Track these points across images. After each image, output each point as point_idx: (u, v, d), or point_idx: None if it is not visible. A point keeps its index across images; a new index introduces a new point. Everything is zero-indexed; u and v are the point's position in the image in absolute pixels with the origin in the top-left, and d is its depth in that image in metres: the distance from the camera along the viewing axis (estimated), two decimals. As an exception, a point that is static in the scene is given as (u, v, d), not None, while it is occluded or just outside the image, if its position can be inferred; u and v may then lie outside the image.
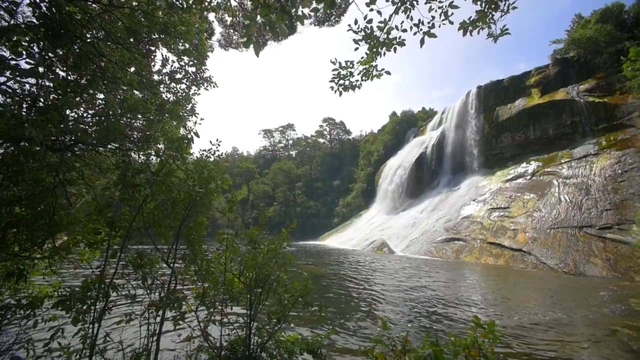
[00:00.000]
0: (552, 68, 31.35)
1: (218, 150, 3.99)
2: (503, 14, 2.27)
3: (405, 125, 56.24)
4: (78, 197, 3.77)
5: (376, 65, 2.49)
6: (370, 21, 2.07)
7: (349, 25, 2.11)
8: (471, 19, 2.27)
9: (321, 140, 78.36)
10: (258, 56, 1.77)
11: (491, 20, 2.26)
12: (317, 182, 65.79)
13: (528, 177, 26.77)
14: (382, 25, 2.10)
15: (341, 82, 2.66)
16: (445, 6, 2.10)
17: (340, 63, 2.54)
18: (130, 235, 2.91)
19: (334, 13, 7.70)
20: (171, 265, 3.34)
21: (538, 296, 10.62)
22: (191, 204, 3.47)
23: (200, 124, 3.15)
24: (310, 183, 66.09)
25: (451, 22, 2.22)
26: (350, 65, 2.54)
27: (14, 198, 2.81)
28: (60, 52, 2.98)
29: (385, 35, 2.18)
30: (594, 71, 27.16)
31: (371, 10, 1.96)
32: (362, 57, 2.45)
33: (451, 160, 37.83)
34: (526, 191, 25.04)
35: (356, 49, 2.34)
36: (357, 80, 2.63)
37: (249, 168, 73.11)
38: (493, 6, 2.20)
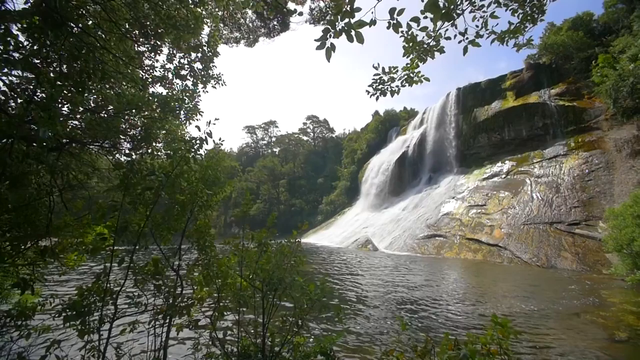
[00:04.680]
0: (526, 72, 32.94)
1: (221, 150, 3.88)
2: (532, 25, 2.39)
3: (388, 124, 57.12)
4: (71, 200, 3.53)
5: (418, 72, 2.54)
6: (424, 29, 2.09)
7: (401, 31, 2.11)
8: (509, 30, 2.37)
9: (305, 137, 78.03)
10: (329, 61, 1.72)
11: (524, 32, 2.37)
12: (301, 180, 65.54)
13: (503, 176, 28.10)
14: (432, 33, 2.14)
15: (380, 86, 2.68)
16: (487, 16, 2.17)
17: (383, 68, 2.54)
18: (139, 240, 2.76)
19: (330, 12, 7.66)
20: (177, 270, 3.22)
21: (515, 290, 11.21)
22: (197, 205, 3.35)
23: (214, 124, 3.02)
24: (294, 181, 65.74)
25: (495, 32, 2.30)
26: (394, 71, 2.56)
27: (6, 203, 2.57)
28: (58, 43, 2.75)
29: (434, 43, 2.22)
30: (565, 76, 28.86)
31: (425, 17, 2.00)
32: (407, 64, 2.48)
33: (432, 159, 38.93)
34: (501, 189, 26.27)
35: (405, 54, 2.36)
36: (397, 86, 2.66)
37: (232, 166, 71.56)
38: (529, 18, 2.32)
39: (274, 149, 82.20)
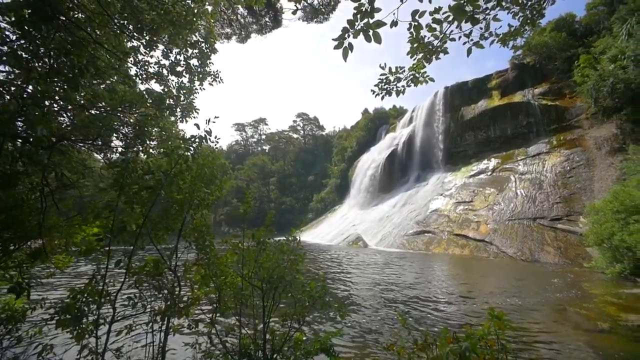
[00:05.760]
0: (511, 72, 33.81)
1: (217, 148, 3.83)
2: (531, 28, 2.48)
3: (377, 122, 57.53)
4: (61, 200, 3.41)
5: (424, 72, 2.57)
6: (433, 29, 2.12)
7: (411, 33, 2.14)
8: (510, 32, 2.45)
9: (295, 135, 77.72)
10: (346, 61, 1.71)
11: (524, 34, 2.45)
12: (291, 178, 65.31)
13: (489, 173, 28.82)
14: (438, 34, 2.17)
15: (386, 86, 2.70)
16: (489, 19, 2.22)
17: (390, 68, 2.56)
18: (137, 240, 2.70)
19: (323, 10, 7.63)
20: (175, 270, 3.17)
21: (502, 284, 11.57)
22: (194, 204, 3.31)
23: (214, 122, 2.97)
24: (284, 179, 65.46)
25: (497, 35, 2.36)
26: (401, 71, 2.58)
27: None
28: (48, 37, 2.64)
29: (440, 44, 2.26)
30: (548, 76, 29.77)
31: (435, 19, 2.03)
32: (413, 64, 2.52)
33: (420, 157, 39.49)
34: (487, 186, 26.94)
35: (410, 55, 2.39)
36: (402, 86, 2.69)
37: (222, 163, 70.50)
38: (529, 21, 2.40)
39: (264, 147, 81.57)
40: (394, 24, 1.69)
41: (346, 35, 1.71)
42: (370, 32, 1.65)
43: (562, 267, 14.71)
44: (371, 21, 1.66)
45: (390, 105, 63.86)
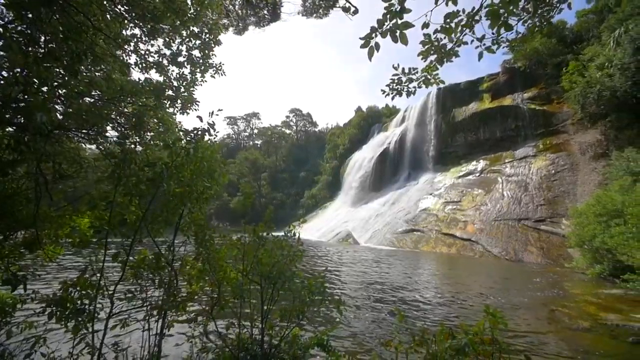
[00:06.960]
0: (502, 76, 34.40)
1: (216, 141, 3.78)
2: (539, 34, 2.54)
3: (370, 120, 57.73)
4: (53, 189, 3.30)
5: (436, 74, 2.60)
6: (450, 32, 2.15)
7: (424, 35, 2.16)
8: (517, 39, 2.51)
9: (287, 131, 77.31)
10: (371, 60, 1.70)
11: (531, 40, 2.51)
12: (283, 173, 65.06)
13: (477, 174, 29.43)
14: (453, 37, 2.20)
15: (397, 87, 2.72)
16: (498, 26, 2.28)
17: (403, 69, 2.58)
18: (136, 233, 2.65)
19: (323, 5, 7.57)
20: (171, 264, 3.13)
21: (488, 282, 11.90)
22: (193, 198, 3.26)
23: (217, 114, 2.93)
24: (276, 174, 65.16)
25: (508, 40, 2.42)
26: (414, 72, 2.61)
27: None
28: (45, 21, 2.53)
29: (453, 46, 2.29)
30: (537, 81, 30.43)
31: (447, 23, 2.06)
32: (426, 65, 2.54)
33: (411, 156, 39.90)
34: (475, 187, 27.53)
35: (422, 57, 2.41)
36: (414, 87, 2.71)
37: (221, 158, 69.45)
38: (537, 29, 2.46)
39: (256, 142, 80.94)
40: (426, 25, 1.71)
41: (373, 35, 1.72)
42: (398, 33, 1.66)
43: (544, 267, 15.23)
44: (399, 22, 1.67)
45: (383, 104, 64.04)
